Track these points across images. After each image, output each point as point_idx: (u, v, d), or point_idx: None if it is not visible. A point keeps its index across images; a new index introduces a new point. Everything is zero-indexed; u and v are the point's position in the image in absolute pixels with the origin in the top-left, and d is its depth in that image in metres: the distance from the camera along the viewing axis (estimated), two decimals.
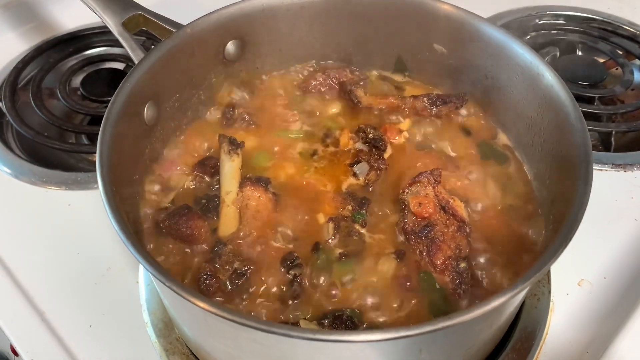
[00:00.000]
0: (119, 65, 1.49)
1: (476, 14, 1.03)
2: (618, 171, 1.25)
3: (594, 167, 0.80)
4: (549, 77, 0.92)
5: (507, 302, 0.70)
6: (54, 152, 1.31)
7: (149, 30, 1.05)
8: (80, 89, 1.41)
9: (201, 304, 0.65)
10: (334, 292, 0.86)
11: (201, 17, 1.02)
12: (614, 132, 1.34)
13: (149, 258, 0.70)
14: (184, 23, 1.02)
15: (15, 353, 1.01)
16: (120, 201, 0.80)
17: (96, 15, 1.04)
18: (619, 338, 0.95)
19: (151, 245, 0.92)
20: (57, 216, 1.18)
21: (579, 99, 1.39)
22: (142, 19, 1.04)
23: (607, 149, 1.34)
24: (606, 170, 1.24)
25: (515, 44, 0.98)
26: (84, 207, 1.18)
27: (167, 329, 0.99)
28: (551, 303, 1.03)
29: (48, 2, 1.61)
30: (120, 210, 0.76)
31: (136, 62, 0.96)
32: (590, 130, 1.29)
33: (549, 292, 1.04)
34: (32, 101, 1.36)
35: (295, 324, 0.81)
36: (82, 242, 1.13)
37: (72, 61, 1.50)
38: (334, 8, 1.10)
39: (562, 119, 0.89)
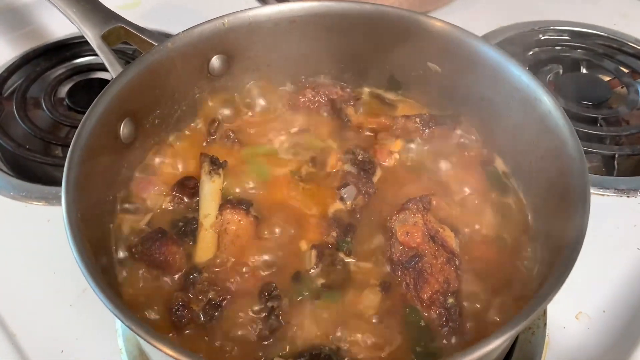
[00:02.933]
0: (108, 76, 1.44)
1: (471, 32, 0.99)
2: (621, 197, 1.19)
3: (595, 192, 0.76)
4: (547, 103, 0.88)
5: (496, 347, 0.65)
6: (37, 165, 1.27)
7: (130, 42, 1.01)
8: (67, 99, 1.37)
9: (161, 347, 0.60)
10: (312, 326, 0.81)
11: (184, 30, 0.98)
12: (617, 155, 1.28)
13: (109, 293, 0.65)
14: (172, 34, 0.98)
15: None
16: (87, 227, 0.76)
17: (74, 26, 1.00)
18: None
19: (122, 271, 0.87)
20: (36, 233, 1.14)
21: (582, 119, 1.35)
22: (123, 32, 1.00)
23: (609, 172, 1.28)
24: (608, 195, 1.19)
25: (512, 66, 0.94)
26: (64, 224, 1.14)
27: (141, 357, 0.95)
28: (546, 337, 0.98)
29: (37, 9, 1.58)
30: (84, 240, 0.72)
31: (114, 76, 0.92)
32: (592, 152, 1.27)
33: (544, 325, 0.99)
34: (15, 112, 1.32)
35: None
36: (60, 261, 1.07)
37: (60, 70, 1.46)
38: (324, 23, 1.06)
39: (560, 148, 0.84)
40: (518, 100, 0.93)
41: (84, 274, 0.67)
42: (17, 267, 1.09)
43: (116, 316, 0.63)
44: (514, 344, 0.96)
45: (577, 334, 1.00)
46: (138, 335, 0.61)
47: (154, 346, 0.61)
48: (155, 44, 0.97)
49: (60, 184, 1.18)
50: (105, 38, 0.99)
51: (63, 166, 1.25)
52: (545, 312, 0.99)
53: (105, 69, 1.43)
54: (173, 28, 1.00)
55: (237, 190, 0.97)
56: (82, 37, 1.47)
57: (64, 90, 1.40)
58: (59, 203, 1.15)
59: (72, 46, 1.51)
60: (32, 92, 1.39)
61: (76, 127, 1.31)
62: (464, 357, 0.63)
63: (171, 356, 0.60)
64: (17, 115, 1.32)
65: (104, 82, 1.42)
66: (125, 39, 1.01)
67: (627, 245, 1.12)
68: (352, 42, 1.08)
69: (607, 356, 0.97)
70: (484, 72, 0.98)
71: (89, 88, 1.41)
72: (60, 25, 1.54)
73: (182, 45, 0.98)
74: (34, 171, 1.28)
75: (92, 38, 0.99)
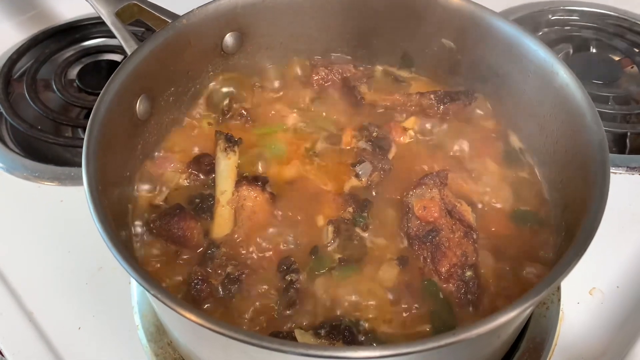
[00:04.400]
0: (117, 57, 1.44)
1: (487, 7, 0.98)
2: (633, 174, 1.19)
3: None
4: (564, 75, 0.87)
5: (515, 318, 0.65)
6: (49, 146, 1.27)
7: (144, 20, 1.01)
8: (77, 81, 1.37)
9: (188, 315, 0.61)
10: (331, 299, 0.81)
11: (198, 7, 0.98)
12: (629, 134, 1.28)
13: (132, 262, 0.66)
14: (182, 13, 0.98)
15: (1, 354, 0.98)
16: (107, 201, 0.77)
17: (89, 4, 0.99)
18: (632, 351, 0.91)
19: (140, 246, 0.87)
20: (49, 213, 1.14)
21: (593, 98, 1.33)
22: (136, 9, 1.00)
23: (621, 150, 1.28)
24: (620, 173, 1.19)
25: (529, 40, 0.93)
26: (77, 204, 1.12)
27: (158, 333, 0.95)
28: (561, 312, 0.98)
29: None
30: (106, 211, 0.72)
31: (129, 53, 0.92)
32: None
33: (559, 300, 0.99)
34: (26, 93, 1.32)
35: (290, 333, 0.76)
36: (74, 240, 1.09)
37: (69, 52, 1.45)
38: (337, 0, 1.05)
39: (577, 120, 0.84)
40: (534, 75, 0.93)
41: (107, 243, 0.67)
42: (32, 247, 1.09)
43: (140, 284, 0.63)
44: (529, 318, 0.96)
45: (591, 309, 1.01)
46: (163, 302, 0.62)
47: (178, 312, 0.61)
48: (169, 21, 0.97)
49: (72, 165, 1.21)
50: (119, 15, 0.98)
51: (74, 147, 1.28)
52: (559, 288, 1.00)
53: (113, 51, 1.45)
54: (186, 5, 0.99)
55: (253, 167, 0.97)
56: (91, 19, 1.50)
57: (73, 72, 1.40)
58: (72, 183, 1.17)
59: (81, 28, 1.50)
60: (42, 74, 1.39)
61: (87, 108, 1.35)
62: (479, 328, 0.63)
63: (195, 322, 0.60)
64: (27, 97, 1.31)
65: (113, 64, 1.42)
66: (139, 17, 1.01)
67: (639, 221, 1.12)
68: (365, 19, 1.07)
69: (621, 331, 0.98)
70: (498, 48, 0.98)
71: (98, 70, 1.41)
72: (69, 7, 1.54)
73: (196, 22, 0.97)
74: (46, 152, 1.28)
75: (107, 15, 0.98)
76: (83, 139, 1.28)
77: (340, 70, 1.10)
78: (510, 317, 0.64)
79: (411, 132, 1.02)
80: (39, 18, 1.53)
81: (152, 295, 0.62)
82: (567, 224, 0.84)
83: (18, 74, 1.40)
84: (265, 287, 0.83)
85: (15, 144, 1.29)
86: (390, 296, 0.82)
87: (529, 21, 1.55)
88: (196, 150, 0.99)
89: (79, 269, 1.06)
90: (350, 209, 0.91)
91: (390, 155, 0.98)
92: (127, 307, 0.98)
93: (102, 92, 0.83)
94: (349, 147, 1.01)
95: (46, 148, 1.28)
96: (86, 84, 1.36)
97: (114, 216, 0.78)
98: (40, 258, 1.07)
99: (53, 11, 1.55)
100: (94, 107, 0.81)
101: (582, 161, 0.81)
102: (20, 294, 1.03)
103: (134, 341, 0.95)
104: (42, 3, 1.56)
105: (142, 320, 0.97)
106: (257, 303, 0.82)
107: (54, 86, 1.35)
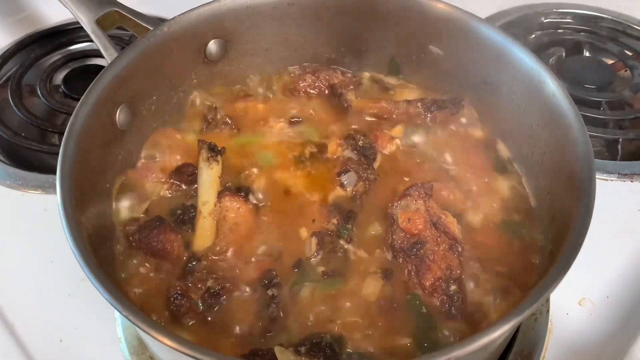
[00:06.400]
0: (104, 62, 1.41)
1: (474, 14, 0.97)
2: (624, 181, 1.18)
3: (598, 177, 0.74)
4: (551, 86, 0.86)
5: (498, 337, 0.64)
6: (34, 153, 1.25)
7: (125, 27, 0.99)
8: (62, 86, 1.36)
9: (159, 337, 0.59)
10: (314, 314, 0.80)
11: (180, 14, 0.96)
12: (621, 140, 1.27)
13: (103, 280, 0.64)
14: (165, 20, 0.96)
15: None
16: (84, 213, 0.75)
17: (68, 10, 0.98)
18: None
19: (122, 260, 0.86)
20: (32, 221, 1.13)
21: (585, 103, 1.33)
22: (117, 16, 0.98)
23: (613, 156, 1.26)
24: (611, 180, 1.17)
25: (516, 48, 0.92)
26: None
27: (140, 347, 0.94)
28: (549, 323, 0.97)
29: None
30: (80, 228, 0.70)
31: (109, 62, 0.90)
32: (596, 136, 1.25)
33: (547, 311, 0.98)
34: (10, 100, 1.30)
35: (269, 350, 0.75)
36: (57, 250, 1.07)
37: (55, 57, 1.44)
38: (324, 6, 1.04)
39: (564, 131, 0.82)
40: (522, 83, 0.92)
41: (80, 263, 0.66)
42: (15, 256, 1.08)
43: (113, 306, 0.62)
44: (517, 330, 0.95)
45: (580, 320, 0.99)
46: (135, 325, 0.60)
47: (152, 336, 0.59)
48: (151, 28, 0.95)
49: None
50: (100, 22, 0.97)
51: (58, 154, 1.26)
52: (548, 299, 0.98)
53: (101, 55, 1.41)
54: (169, 12, 0.97)
55: (235, 177, 0.96)
56: (78, 23, 1.45)
57: (59, 77, 1.38)
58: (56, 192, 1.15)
59: (67, 32, 1.49)
60: (27, 79, 1.37)
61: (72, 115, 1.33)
62: (466, 346, 0.62)
63: (170, 346, 0.59)
64: (12, 103, 1.30)
65: (100, 69, 1.36)
66: (120, 24, 0.99)
67: (631, 230, 1.11)
68: (352, 25, 1.05)
69: (611, 342, 0.96)
70: (486, 55, 0.96)
71: (85, 75, 1.39)
72: (55, 11, 1.51)
73: (178, 29, 0.96)
74: (31, 159, 1.26)
75: (86, 22, 0.97)
76: None
77: (327, 77, 1.09)
78: (497, 335, 0.63)
79: (397, 141, 1.00)
80: (24, 22, 1.52)
81: (124, 316, 0.60)
82: (555, 235, 0.83)
83: (3, 80, 1.39)
84: (246, 301, 0.81)
85: (0, 150, 1.27)
86: (373, 311, 0.81)
87: (522, 24, 1.53)
88: (178, 159, 0.97)
89: (62, 279, 1.04)
90: (335, 221, 0.90)
91: (376, 165, 0.97)
92: (110, 319, 0.97)
93: (79, 103, 0.82)
94: (335, 156, 0.99)
95: (31, 155, 1.26)
96: (72, 89, 1.35)
97: (92, 230, 0.76)
98: (22, 268, 1.06)
99: (39, 15, 1.54)
100: (71, 119, 0.80)
101: (569, 173, 0.80)
102: (2, 305, 1.01)
103: (116, 354, 0.94)
104: (28, 7, 1.55)
105: (124, 333, 0.96)
106: (238, 318, 0.80)
107: (39, 92, 1.33)
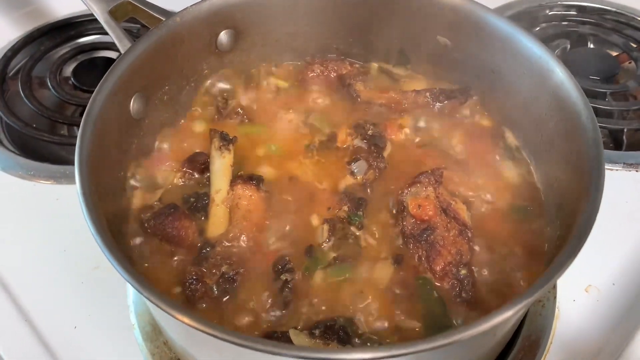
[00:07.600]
0: (113, 54, 1.44)
1: (482, 4, 0.98)
2: (629, 171, 1.19)
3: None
4: (559, 74, 0.87)
5: (509, 318, 0.65)
6: (44, 144, 1.27)
7: (138, 18, 1.00)
8: (72, 78, 1.37)
9: (180, 317, 0.61)
10: (326, 299, 0.81)
11: (192, 5, 0.97)
12: (625, 130, 1.28)
13: (126, 264, 0.65)
14: (177, 10, 0.97)
15: None
16: (100, 200, 0.76)
17: (82, 2, 0.99)
18: (628, 349, 0.90)
19: (136, 246, 0.87)
20: (45, 211, 1.14)
21: (590, 94, 1.32)
22: (130, 7, 0.99)
23: (618, 147, 1.28)
24: (617, 169, 1.19)
25: (524, 37, 0.93)
26: (72, 202, 1.10)
27: (154, 333, 0.95)
28: (556, 310, 0.98)
29: None
30: (98, 211, 0.71)
31: (122, 52, 0.91)
32: (600, 127, 1.24)
33: (554, 298, 0.99)
34: (21, 91, 1.31)
35: (284, 333, 0.76)
36: (70, 239, 1.09)
37: (64, 49, 1.45)
38: None
39: (573, 119, 0.83)
40: (529, 72, 0.93)
41: (99, 245, 0.66)
42: (28, 246, 1.09)
43: (132, 285, 0.63)
44: (524, 316, 0.96)
45: (586, 306, 1.01)
46: (156, 304, 0.61)
47: (171, 315, 0.61)
48: (163, 19, 0.96)
49: (67, 163, 1.20)
50: (113, 13, 0.98)
51: (70, 145, 1.28)
52: (555, 286, 1.00)
53: (109, 48, 1.45)
54: (181, 3, 0.98)
55: (246, 166, 0.97)
56: (86, 15, 1.49)
57: (69, 70, 1.40)
58: (67, 182, 1.17)
59: (76, 25, 1.50)
60: (37, 71, 1.39)
61: (82, 106, 1.34)
62: (475, 329, 0.63)
63: (188, 324, 0.60)
64: (22, 95, 1.31)
65: (108, 61, 1.42)
66: (133, 15, 1.00)
67: (636, 218, 1.12)
68: (360, 16, 1.06)
69: (617, 328, 0.98)
70: (494, 45, 0.97)
71: (93, 67, 1.41)
72: (65, 3, 1.53)
73: (190, 20, 0.97)
74: (41, 150, 1.28)
75: (100, 13, 0.97)
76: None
77: (335, 68, 1.10)
78: (504, 318, 0.64)
79: (406, 130, 1.01)
80: (33, 15, 1.52)
81: (145, 297, 0.62)
82: (562, 222, 0.84)
83: (13, 72, 1.40)
84: (260, 286, 0.83)
85: (11, 142, 1.28)
86: (384, 295, 0.82)
87: (527, 16, 1.54)
88: (191, 148, 0.99)
89: (75, 267, 1.05)
90: (346, 208, 0.91)
91: (386, 153, 0.98)
92: (123, 306, 0.99)
93: (95, 92, 0.83)
94: (344, 146, 1.00)
95: (41, 146, 1.27)
96: (81, 81, 1.36)
97: (108, 217, 0.77)
98: (35, 257, 1.07)
99: (48, 8, 1.54)
100: (87, 108, 0.81)
101: (577, 160, 0.81)
102: (16, 294, 1.02)
103: (130, 340, 0.96)
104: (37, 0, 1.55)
105: (138, 319, 0.97)
106: (252, 302, 0.81)
107: (49, 84, 1.34)
